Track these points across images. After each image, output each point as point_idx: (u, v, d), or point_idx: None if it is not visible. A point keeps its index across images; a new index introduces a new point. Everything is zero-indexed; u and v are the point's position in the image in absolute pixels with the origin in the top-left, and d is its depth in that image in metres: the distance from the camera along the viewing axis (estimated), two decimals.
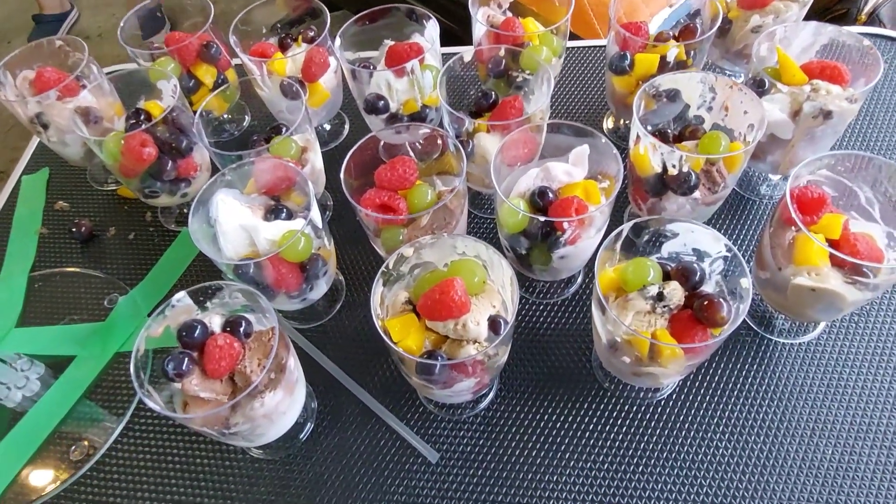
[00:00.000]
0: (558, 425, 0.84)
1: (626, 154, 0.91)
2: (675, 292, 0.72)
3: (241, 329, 0.73)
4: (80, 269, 1.06)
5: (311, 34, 1.08)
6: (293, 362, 0.74)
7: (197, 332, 0.71)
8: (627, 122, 1.14)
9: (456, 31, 1.71)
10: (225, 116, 1.21)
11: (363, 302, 0.98)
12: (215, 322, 0.74)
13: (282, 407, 0.72)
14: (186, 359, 0.70)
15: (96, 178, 1.20)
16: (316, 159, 0.96)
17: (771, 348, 0.88)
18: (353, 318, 0.97)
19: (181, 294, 0.72)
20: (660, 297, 0.71)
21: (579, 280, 0.97)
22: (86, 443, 0.88)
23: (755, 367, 0.87)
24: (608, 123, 1.19)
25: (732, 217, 1.02)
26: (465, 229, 0.91)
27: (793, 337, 0.88)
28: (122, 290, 1.02)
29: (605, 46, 1.19)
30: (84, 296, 1.02)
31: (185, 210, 1.07)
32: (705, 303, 0.69)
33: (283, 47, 1.09)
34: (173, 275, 1.03)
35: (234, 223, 0.82)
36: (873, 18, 1.99)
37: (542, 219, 0.76)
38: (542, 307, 0.95)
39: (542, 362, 0.90)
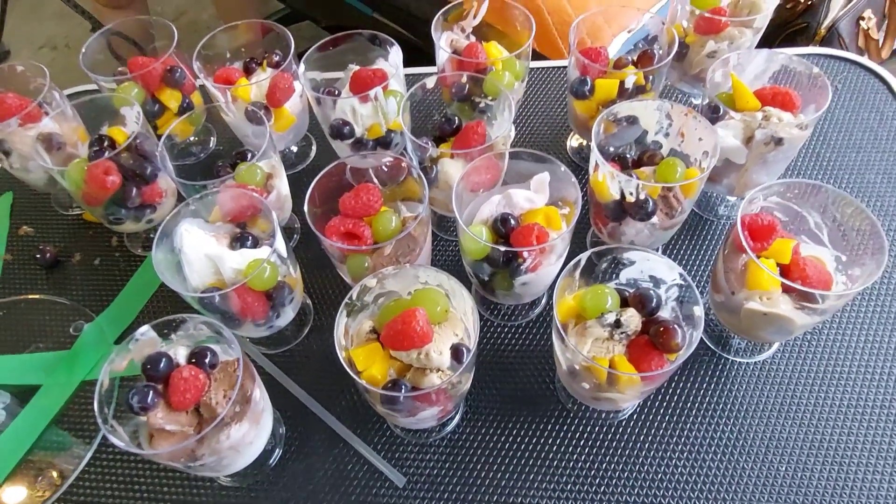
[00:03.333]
0: (522, 447, 0.86)
1: (588, 176, 0.94)
2: (633, 319, 0.74)
3: (207, 360, 0.74)
4: (45, 295, 1.05)
5: (276, 59, 1.09)
6: (259, 393, 0.75)
7: (161, 364, 0.71)
8: (590, 142, 1.16)
9: (424, 48, 1.72)
10: (191, 139, 1.21)
11: (331, 326, 0.97)
12: (180, 353, 0.74)
13: (248, 438, 0.73)
14: (151, 392, 0.70)
15: (61, 202, 1.19)
16: (282, 185, 0.97)
17: (727, 367, 0.91)
18: (321, 342, 0.98)
19: (145, 328, 0.72)
20: (617, 324, 0.73)
21: (543, 302, 0.99)
22: (53, 473, 0.88)
23: (712, 385, 0.89)
24: (572, 142, 1.21)
25: (692, 237, 1.04)
26: (430, 254, 0.93)
27: (748, 356, 0.91)
28: (88, 317, 1.01)
29: (567, 67, 1.21)
30: (49, 323, 1.02)
31: (152, 235, 1.07)
32: (661, 329, 0.72)
33: (248, 72, 1.09)
34: (140, 300, 1.03)
35: (199, 253, 0.82)
36: (832, 32, 2.05)
37: (503, 248, 0.77)
38: (506, 329, 0.97)
39: (507, 385, 0.91)
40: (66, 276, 1.08)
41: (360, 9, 2.02)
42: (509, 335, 0.96)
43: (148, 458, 0.88)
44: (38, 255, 1.08)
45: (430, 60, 1.12)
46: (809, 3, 2.09)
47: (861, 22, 2.14)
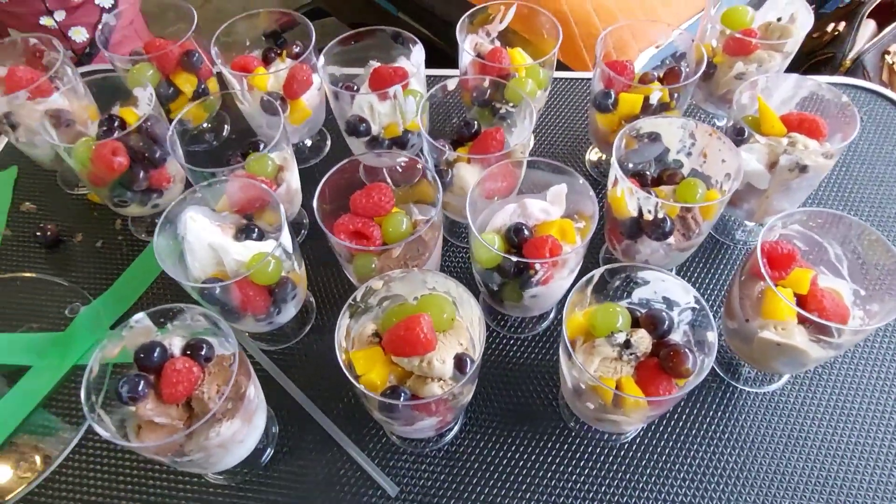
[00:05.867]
0: (521, 463, 0.83)
1: (605, 190, 0.91)
2: (643, 340, 0.72)
3: (202, 353, 0.72)
4: (42, 275, 1.03)
5: (297, 49, 1.07)
6: (253, 390, 0.73)
7: (155, 354, 0.69)
8: (610, 157, 1.14)
9: (447, 52, 1.71)
10: (204, 125, 1.19)
11: (333, 326, 0.94)
12: (175, 344, 0.72)
13: (239, 436, 0.71)
14: (142, 381, 0.68)
15: (67, 181, 1.17)
16: (292, 178, 0.95)
17: (736, 396, 0.88)
18: (322, 342, 0.95)
19: (140, 315, 0.70)
20: (627, 344, 0.71)
21: (551, 316, 0.97)
22: (37, 458, 0.86)
23: (719, 413, 0.87)
24: (591, 156, 1.19)
25: (707, 261, 1.02)
26: (440, 259, 0.90)
27: (758, 386, 0.89)
28: (85, 300, 0.99)
29: (591, 79, 1.20)
30: (44, 303, 0.99)
31: (157, 220, 1.04)
32: (671, 353, 0.69)
33: (267, 61, 1.07)
34: (140, 286, 1.00)
35: (202, 242, 0.80)
36: (857, 64, 2.02)
37: (515, 259, 0.75)
38: (512, 342, 0.94)
39: (510, 398, 0.89)
40: (66, 256, 1.06)
41: (386, 7, 2.01)
42: (515, 347, 0.94)
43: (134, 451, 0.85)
44: (38, 233, 1.06)
45: (453, 64, 1.09)
46: (836, 33, 2.07)
47: (886, 56, 2.12)
